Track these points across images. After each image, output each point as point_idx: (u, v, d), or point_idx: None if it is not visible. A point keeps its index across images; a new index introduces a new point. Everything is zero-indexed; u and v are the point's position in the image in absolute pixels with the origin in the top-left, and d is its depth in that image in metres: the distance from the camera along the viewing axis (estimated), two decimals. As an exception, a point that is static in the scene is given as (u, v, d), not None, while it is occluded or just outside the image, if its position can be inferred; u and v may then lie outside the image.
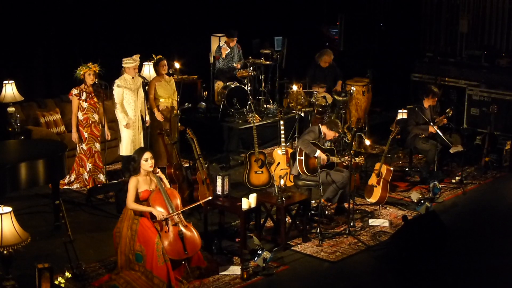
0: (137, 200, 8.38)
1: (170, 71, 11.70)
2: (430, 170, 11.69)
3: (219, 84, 13.91)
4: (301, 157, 10.07)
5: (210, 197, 9.28)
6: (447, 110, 11.86)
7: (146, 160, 8.41)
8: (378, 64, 15.52)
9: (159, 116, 11.37)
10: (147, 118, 11.31)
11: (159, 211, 8.31)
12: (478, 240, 9.80)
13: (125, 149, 11.26)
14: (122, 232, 8.35)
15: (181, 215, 8.51)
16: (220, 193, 9.43)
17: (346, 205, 10.32)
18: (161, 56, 11.57)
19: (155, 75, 11.81)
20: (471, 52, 15.53)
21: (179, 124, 11.52)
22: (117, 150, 11.46)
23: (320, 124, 10.40)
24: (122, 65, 11.16)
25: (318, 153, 9.96)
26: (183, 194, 10.24)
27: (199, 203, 9.16)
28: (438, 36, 16.53)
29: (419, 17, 16.70)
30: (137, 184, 8.37)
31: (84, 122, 11.10)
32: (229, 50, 13.77)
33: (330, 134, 10.26)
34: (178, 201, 8.53)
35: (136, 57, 11.18)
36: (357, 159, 10.14)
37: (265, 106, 14.06)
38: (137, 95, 11.25)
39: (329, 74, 13.98)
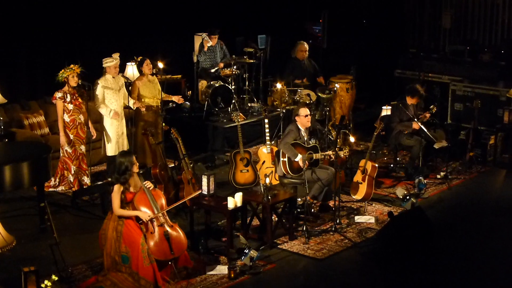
0: (122, 202, 8.38)
1: (154, 71, 11.70)
2: (415, 166, 11.74)
3: (203, 83, 13.90)
4: (284, 159, 10.10)
5: (199, 191, 9.26)
6: (431, 106, 11.91)
7: (134, 164, 8.42)
8: (362, 61, 15.54)
9: (140, 105, 11.31)
10: (131, 104, 11.23)
11: (145, 213, 8.31)
12: (464, 235, 9.86)
13: (110, 149, 11.24)
14: (107, 233, 8.34)
15: (166, 215, 8.50)
16: (206, 193, 9.42)
17: (331, 202, 10.33)
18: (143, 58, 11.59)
19: (138, 75, 11.79)
20: (454, 48, 15.61)
21: (164, 124, 11.50)
22: (102, 151, 11.45)
23: (294, 118, 10.40)
24: (103, 65, 11.15)
25: (299, 157, 9.98)
26: (169, 194, 10.23)
27: (185, 200, 9.14)
28: (421, 32, 16.60)
29: (402, 13, 16.76)
30: (120, 190, 8.37)
31: (70, 124, 11.07)
32: (210, 42, 13.72)
33: (303, 121, 10.23)
34: (163, 201, 8.51)
35: (116, 56, 11.16)
36: (341, 153, 10.17)
37: (249, 104, 14.06)
38: (119, 94, 11.23)
39: (308, 69, 14.03)
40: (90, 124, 11.24)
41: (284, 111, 12.81)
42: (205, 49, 13.77)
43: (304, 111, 10.23)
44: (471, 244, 9.59)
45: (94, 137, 11.33)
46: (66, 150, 11.14)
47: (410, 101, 11.86)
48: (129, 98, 11.26)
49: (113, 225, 8.33)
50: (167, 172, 10.56)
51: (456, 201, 11.09)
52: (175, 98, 11.86)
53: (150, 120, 11.51)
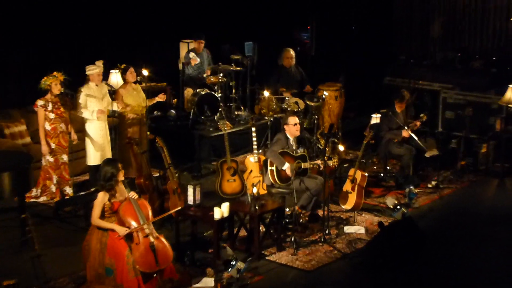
0: (104, 212, 8.30)
1: (138, 78, 11.65)
2: (405, 175, 11.75)
3: (188, 91, 13.88)
4: (272, 168, 10.07)
5: (180, 207, 9.23)
6: (421, 115, 11.93)
7: (120, 171, 8.37)
8: (351, 68, 15.57)
9: (123, 105, 11.26)
10: (115, 107, 11.17)
11: (121, 228, 8.22)
12: (455, 245, 9.83)
13: (94, 158, 11.16)
14: (91, 245, 8.27)
15: (152, 226, 8.44)
16: (192, 203, 9.39)
17: (320, 212, 10.30)
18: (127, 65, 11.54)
19: (122, 83, 11.73)
20: (445, 55, 15.63)
21: (148, 133, 11.46)
22: (84, 161, 11.38)
23: (283, 127, 10.37)
24: (86, 73, 11.08)
25: (287, 166, 9.96)
26: (154, 205, 10.17)
27: (170, 213, 9.09)
28: (410, 39, 16.64)
29: (391, 20, 16.79)
30: (105, 199, 8.30)
31: (52, 132, 11.00)
32: (198, 61, 13.72)
33: (292, 130, 10.20)
34: (149, 212, 8.46)
35: (99, 63, 11.10)
36: (331, 162, 10.16)
37: (236, 113, 14.04)
38: (102, 103, 11.16)
39: (295, 76, 14.03)
40: (71, 131, 11.16)
41: (271, 119, 12.81)
42: (192, 64, 13.74)
43: (293, 119, 10.21)
44: (463, 254, 9.56)
45: (75, 142, 11.24)
46: (47, 160, 11.05)
47: (399, 108, 11.86)
48: (113, 102, 11.18)
49: (97, 236, 8.27)
50: (152, 182, 10.52)
51: (447, 210, 11.08)
52: (158, 98, 11.77)
53: (134, 128, 11.44)
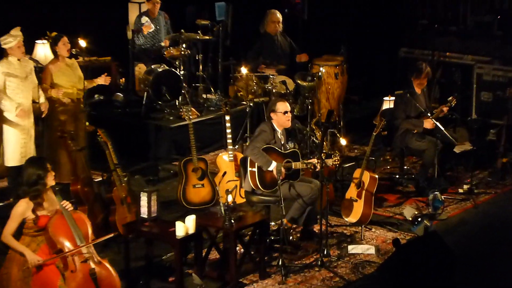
0: (23, 228, 8.25)
1: (74, 51, 11.60)
2: (428, 177, 11.79)
3: (140, 68, 13.87)
4: (254, 169, 10.05)
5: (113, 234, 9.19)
6: (450, 98, 11.96)
7: (48, 173, 8.34)
8: (355, 37, 15.57)
9: (55, 93, 11.19)
10: (42, 100, 11.14)
11: (33, 257, 8.15)
12: (494, 269, 9.84)
13: (12, 157, 11.13)
14: (11, 274, 8.24)
15: (92, 248, 8.39)
16: (146, 216, 9.37)
17: (316, 227, 10.28)
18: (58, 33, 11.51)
19: (52, 57, 11.69)
20: (479, 18, 15.67)
21: (87, 124, 11.43)
22: (1, 162, 11.36)
23: (268, 115, 10.34)
24: (1, 46, 11.03)
25: (274, 165, 9.93)
26: (96, 219, 10.17)
27: (112, 235, 9.03)
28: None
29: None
30: (27, 210, 8.23)
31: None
32: (153, 28, 13.71)
33: (281, 120, 10.19)
34: (89, 229, 8.42)
35: (16, 32, 11.06)
36: (330, 161, 10.16)
37: (204, 96, 14.11)
38: (26, 84, 11.11)
39: (282, 48, 14.03)
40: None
41: (251, 104, 12.82)
42: (144, 32, 13.71)
43: (283, 105, 10.20)
44: (504, 279, 9.57)
45: None
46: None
47: (419, 87, 11.88)
48: (40, 91, 11.12)
49: (19, 262, 8.24)
50: (93, 189, 10.52)
51: (484, 223, 11.14)
52: (99, 81, 11.74)
53: (68, 118, 11.44)
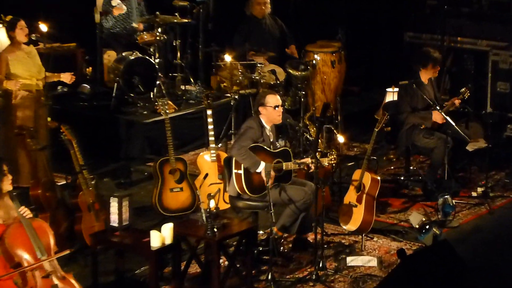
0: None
1: (33, 37, 11.62)
2: (437, 179, 11.83)
3: (110, 55, 13.88)
4: (240, 171, 10.08)
5: (98, 231, 9.26)
6: (462, 89, 11.99)
7: (4, 176, 8.37)
8: (354, 20, 15.60)
9: (11, 85, 11.24)
10: None
11: None
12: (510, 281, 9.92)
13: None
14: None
15: (55, 261, 8.43)
16: (117, 225, 9.36)
17: (310, 236, 10.35)
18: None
19: (7, 44, 11.72)
20: (495, -1, 15.76)
21: (49, 119, 11.45)
22: None
23: (256, 109, 10.39)
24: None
25: (263, 166, 9.97)
26: (59, 228, 10.15)
27: (78, 247, 9.11)
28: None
29: None
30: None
31: None
32: (124, 10, 13.72)
33: (272, 115, 10.25)
34: (51, 240, 8.45)
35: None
36: (326, 160, 10.20)
37: (183, 87, 14.12)
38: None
39: (271, 32, 14.06)
40: None
41: (236, 97, 12.85)
42: (114, 13, 13.71)
43: (273, 99, 10.21)
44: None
45: None
46: None
47: (425, 74, 11.90)
48: None
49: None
50: (56, 194, 10.50)
51: (500, 231, 11.17)
52: (63, 77, 11.77)
53: (27, 113, 11.47)
